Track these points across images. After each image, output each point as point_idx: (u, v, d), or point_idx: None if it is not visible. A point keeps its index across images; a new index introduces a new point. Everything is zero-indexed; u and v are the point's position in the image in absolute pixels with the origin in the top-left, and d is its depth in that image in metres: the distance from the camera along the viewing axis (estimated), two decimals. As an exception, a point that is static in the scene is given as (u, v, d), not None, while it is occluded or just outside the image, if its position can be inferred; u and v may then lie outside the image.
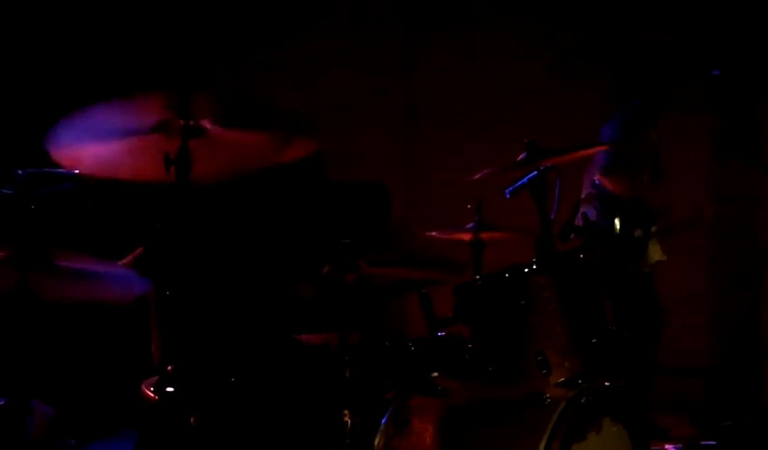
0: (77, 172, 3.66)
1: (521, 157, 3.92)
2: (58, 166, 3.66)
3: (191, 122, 2.83)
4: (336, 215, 5.70)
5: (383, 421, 3.27)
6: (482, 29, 6.53)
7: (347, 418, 3.24)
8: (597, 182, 5.19)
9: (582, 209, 5.11)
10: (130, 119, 2.82)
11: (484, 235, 4.17)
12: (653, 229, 5.21)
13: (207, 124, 2.87)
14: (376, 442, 3.25)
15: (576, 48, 6.39)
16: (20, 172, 3.62)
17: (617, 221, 5.14)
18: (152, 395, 3.28)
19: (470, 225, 4.18)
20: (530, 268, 3.35)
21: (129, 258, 3.80)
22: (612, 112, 5.52)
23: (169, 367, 2.94)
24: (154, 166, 2.84)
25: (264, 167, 3.12)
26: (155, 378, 3.28)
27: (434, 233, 4.32)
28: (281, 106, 3.01)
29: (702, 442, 5.15)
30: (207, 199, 3.83)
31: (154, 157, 2.83)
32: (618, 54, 6.19)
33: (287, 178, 5.25)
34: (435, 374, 3.45)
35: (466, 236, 4.18)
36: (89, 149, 2.91)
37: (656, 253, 5.27)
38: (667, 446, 5.00)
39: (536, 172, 3.76)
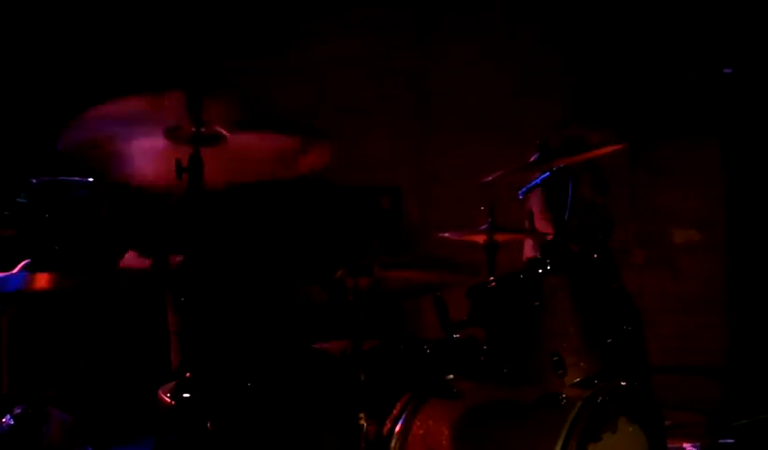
0: (91, 180, 3.67)
1: (533, 158, 3.92)
2: (72, 173, 3.68)
3: (203, 129, 2.82)
4: (350, 218, 5.71)
5: (399, 423, 3.27)
6: (494, 33, 6.52)
7: (362, 421, 3.24)
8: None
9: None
10: (142, 121, 2.80)
11: (498, 237, 4.16)
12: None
13: (221, 128, 2.86)
14: (392, 444, 3.25)
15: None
16: (33, 180, 3.63)
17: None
18: (169, 400, 3.29)
19: (484, 227, 4.17)
20: (544, 269, 3.34)
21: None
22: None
23: (187, 374, 2.95)
24: (166, 172, 2.83)
25: (279, 177, 3.08)
26: (172, 384, 3.29)
27: (447, 235, 4.32)
28: (295, 112, 2.98)
29: (720, 441, 5.13)
30: (220, 203, 3.84)
31: (165, 164, 2.83)
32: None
33: (300, 181, 5.25)
34: (451, 376, 3.45)
35: (480, 238, 4.17)
36: (100, 150, 2.91)
37: None
38: (685, 445, 4.98)
39: (548, 174, 3.75)
